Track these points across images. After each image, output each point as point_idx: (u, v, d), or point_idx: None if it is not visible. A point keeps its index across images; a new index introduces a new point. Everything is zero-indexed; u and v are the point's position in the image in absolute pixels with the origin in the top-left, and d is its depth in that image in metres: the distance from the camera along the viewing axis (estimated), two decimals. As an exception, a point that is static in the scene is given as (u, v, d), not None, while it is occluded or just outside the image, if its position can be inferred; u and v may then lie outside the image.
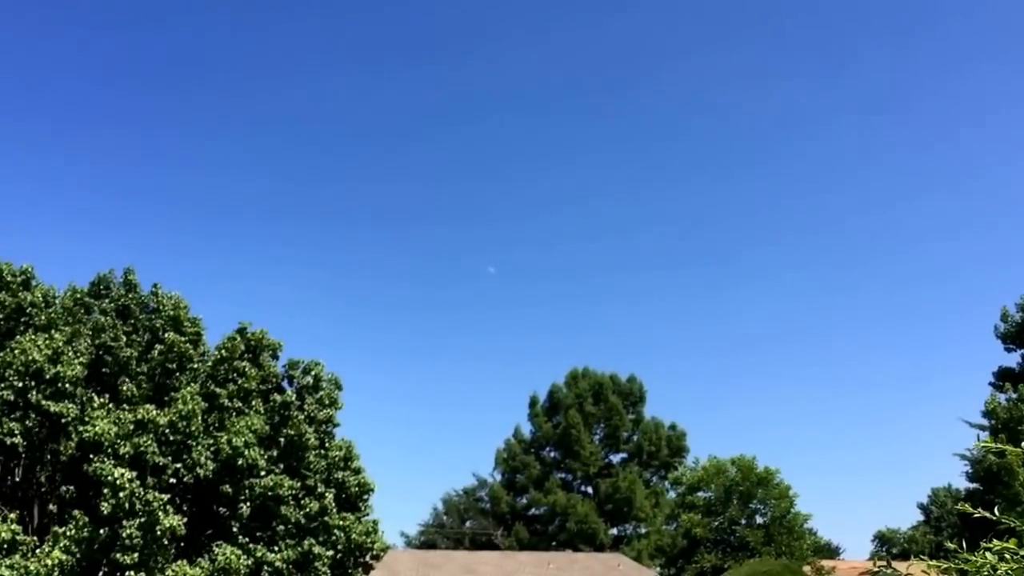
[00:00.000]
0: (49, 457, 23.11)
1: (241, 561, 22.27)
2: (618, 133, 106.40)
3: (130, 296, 25.54)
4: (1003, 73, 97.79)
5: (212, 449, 22.87)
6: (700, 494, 45.78)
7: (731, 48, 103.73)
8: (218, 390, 24.04)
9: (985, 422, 38.16)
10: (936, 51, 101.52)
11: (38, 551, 20.64)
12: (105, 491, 20.50)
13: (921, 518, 63.97)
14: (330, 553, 24.16)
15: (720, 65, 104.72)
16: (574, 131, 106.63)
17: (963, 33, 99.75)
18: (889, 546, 66.91)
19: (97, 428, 21.31)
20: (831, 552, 54.61)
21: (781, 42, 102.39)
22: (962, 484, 40.87)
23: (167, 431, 22.00)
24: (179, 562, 21.55)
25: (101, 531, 20.74)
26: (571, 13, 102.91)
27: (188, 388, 22.97)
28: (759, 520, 44.40)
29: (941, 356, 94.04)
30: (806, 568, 38.15)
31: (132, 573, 20.47)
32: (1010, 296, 50.08)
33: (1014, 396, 37.22)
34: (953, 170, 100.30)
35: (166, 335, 24.20)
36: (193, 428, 22.36)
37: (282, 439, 24.62)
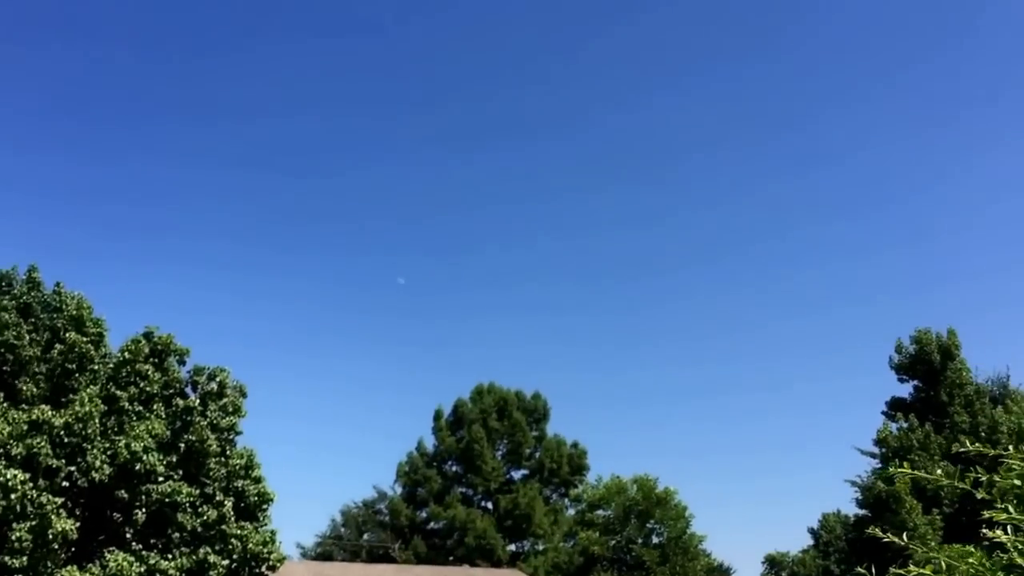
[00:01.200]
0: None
1: (133, 568, 21.84)
2: (533, 147, 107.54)
3: (32, 294, 24.88)
4: (908, 95, 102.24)
5: (109, 453, 22.39)
6: (599, 512, 46.45)
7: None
8: (119, 393, 23.57)
9: (876, 450, 39.86)
10: (829, 75, 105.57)
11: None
12: (-5, 492, 19.91)
13: (811, 542, 65.88)
14: (226, 562, 23.84)
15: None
16: (487, 147, 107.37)
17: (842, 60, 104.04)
18: (778, 569, 68.70)
19: (-11, 428, 20.70)
20: (723, 573, 55.85)
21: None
22: (851, 510, 42.47)
23: (63, 433, 21.48)
24: (69, 567, 21.04)
25: (-11, 533, 20.13)
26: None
27: (88, 390, 22.47)
28: (656, 540, 45.25)
29: (839, 385, 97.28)
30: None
31: (20, 578, 19.92)
32: (905, 328, 52.17)
33: (905, 425, 38.94)
34: (855, 202, 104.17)
35: (67, 335, 23.62)
36: (90, 431, 21.88)
37: (183, 445, 24.23)
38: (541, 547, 56.65)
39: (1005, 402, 38.64)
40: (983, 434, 35.28)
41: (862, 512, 39.35)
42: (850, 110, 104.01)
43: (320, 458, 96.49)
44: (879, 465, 38.98)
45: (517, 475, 62.08)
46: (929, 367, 40.58)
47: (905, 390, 42.25)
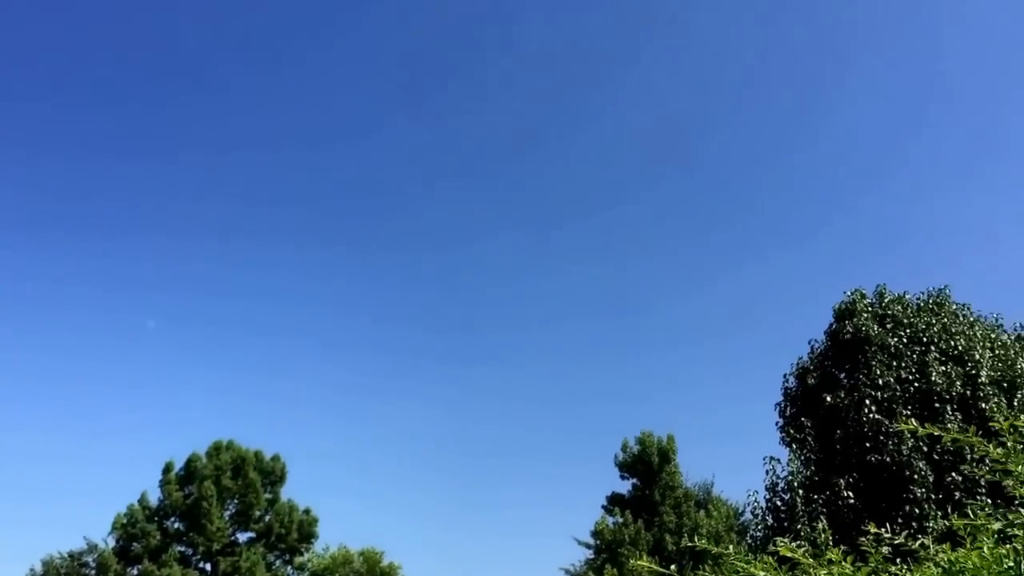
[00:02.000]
0: None
1: None
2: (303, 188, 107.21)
3: None
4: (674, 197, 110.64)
5: None
6: (322, 582, 46.29)
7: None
8: None
9: (591, 541, 42.60)
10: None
11: None
12: None
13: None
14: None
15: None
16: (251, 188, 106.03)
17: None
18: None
19: None
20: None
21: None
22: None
23: None
24: None
25: None
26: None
27: None
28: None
29: (568, 475, 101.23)
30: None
31: None
32: (633, 429, 55.90)
33: (620, 520, 41.94)
34: (597, 301, 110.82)
35: None
36: None
37: None
38: (257, 614, 55.38)
39: (707, 507, 42.53)
40: (686, 534, 38.64)
41: (574, 600, 41.75)
42: (609, 217, 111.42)
43: (26, 502, 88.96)
44: (592, 556, 41.60)
45: (243, 537, 60.52)
46: (648, 467, 44.00)
47: (625, 487, 45.41)
